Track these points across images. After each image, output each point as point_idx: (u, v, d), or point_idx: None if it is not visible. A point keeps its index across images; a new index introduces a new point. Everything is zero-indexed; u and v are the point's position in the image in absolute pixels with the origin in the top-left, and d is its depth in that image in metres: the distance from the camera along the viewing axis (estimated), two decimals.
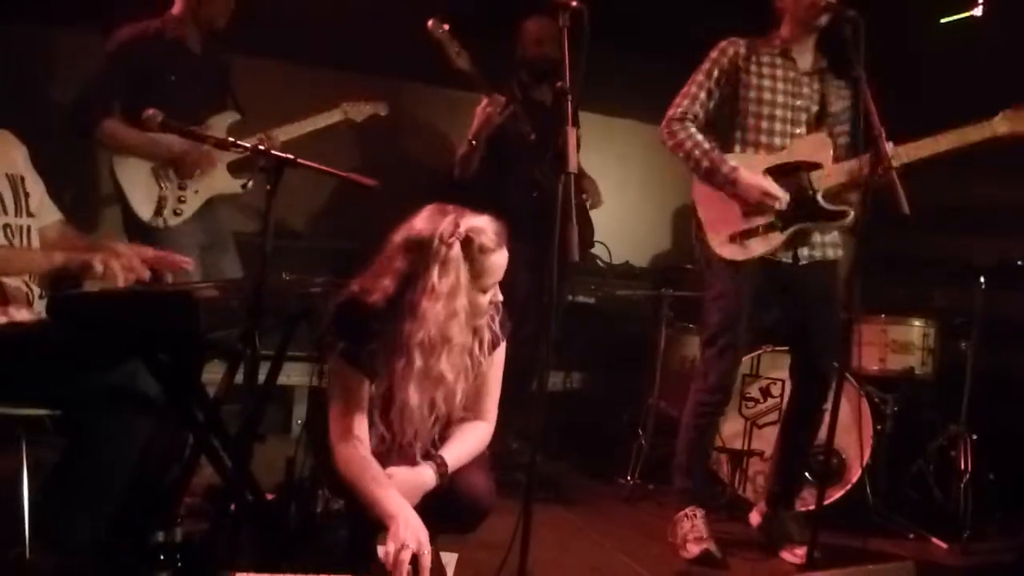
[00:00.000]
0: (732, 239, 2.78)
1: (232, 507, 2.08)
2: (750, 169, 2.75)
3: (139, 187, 2.93)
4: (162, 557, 1.89)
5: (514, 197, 3.32)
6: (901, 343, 3.46)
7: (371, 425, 2.01)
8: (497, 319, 2.09)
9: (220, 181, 3.07)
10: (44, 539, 1.98)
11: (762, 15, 2.88)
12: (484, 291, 1.96)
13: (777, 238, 2.75)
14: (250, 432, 2.03)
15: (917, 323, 3.49)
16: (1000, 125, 2.51)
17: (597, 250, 3.93)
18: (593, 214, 3.62)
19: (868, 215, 2.56)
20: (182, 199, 2.98)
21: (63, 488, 1.99)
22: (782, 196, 2.72)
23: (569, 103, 2.06)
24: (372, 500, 1.86)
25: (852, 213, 2.72)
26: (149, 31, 2.96)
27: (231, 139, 2.08)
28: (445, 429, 2.09)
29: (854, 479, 3.19)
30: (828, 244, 2.86)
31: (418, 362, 1.91)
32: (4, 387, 1.94)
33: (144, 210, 2.93)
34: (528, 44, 3.49)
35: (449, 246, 1.88)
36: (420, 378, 1.94)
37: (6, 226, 2.10)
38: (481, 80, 3.27)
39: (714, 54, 2.85)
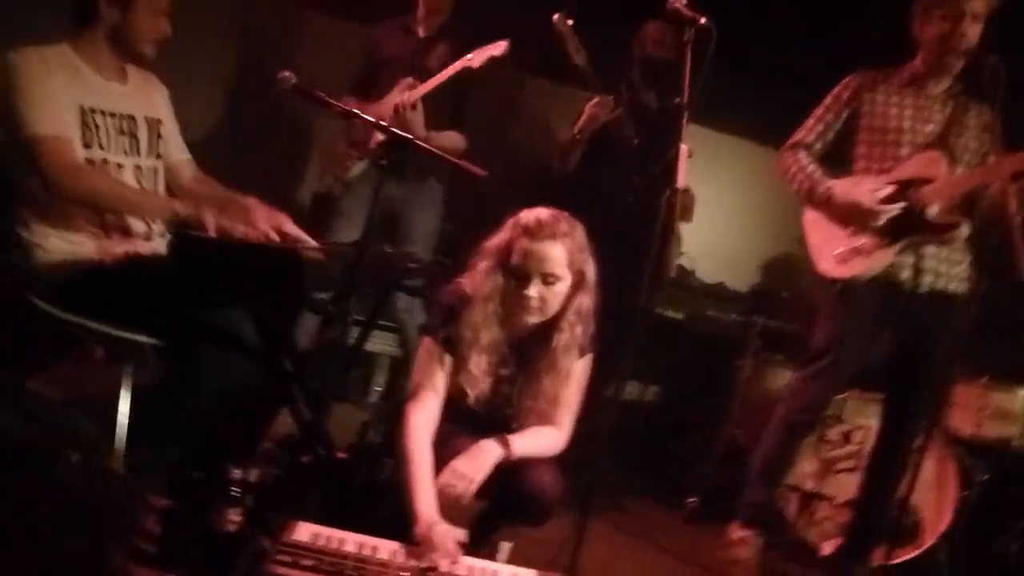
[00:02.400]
0: (840, 258, 2.72)
1: (304, 458, 2.20)
2: (855, 186, 2.70)
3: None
4: (234, 493, 2.00)
5: (608, 199, 3.32)
6: (1002, 410, 3.27)
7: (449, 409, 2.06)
8: (582, 329, 2.07)
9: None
10: (133, 458, 2.11)
11: (891, 45, 2.80)
12: (523, 279, 1.95)
13: (886, 254, 2.66)
14: (332, 390, 2.13)
15: (1022, 392, 3.30)
16: None
17: (693, 265, 3.89)
18: (695, 230, 3.59)
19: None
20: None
21: (155, 413, 2.13)
22: (879, 208, 2.64)
23: (685, 120, 2.06)
24: (410, 489, 1.89)
25: (964, 226, 2.63)
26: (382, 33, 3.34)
27: (355, 110, 2.16)
28: (520, 426, 2.11)
29: (928, 542, 3.06)
30: (953, 276, 2.71)
31: (464, 356, 2.00)
32: (117, 311, 2.09)
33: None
34: (648, 43, 3.46)
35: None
36: (465, 374, 2.02)
37: (137, 167, 2.25)
38: (594, 79, 3.28)
39: (837, 88, 2.82)
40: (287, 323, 2.05)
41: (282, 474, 2.19)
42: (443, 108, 3.28)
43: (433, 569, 1.66)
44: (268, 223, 1.97)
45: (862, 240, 2.69)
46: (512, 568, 1.76)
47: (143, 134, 2.26)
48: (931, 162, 2.68)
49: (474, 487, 1.87)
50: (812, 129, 2.83)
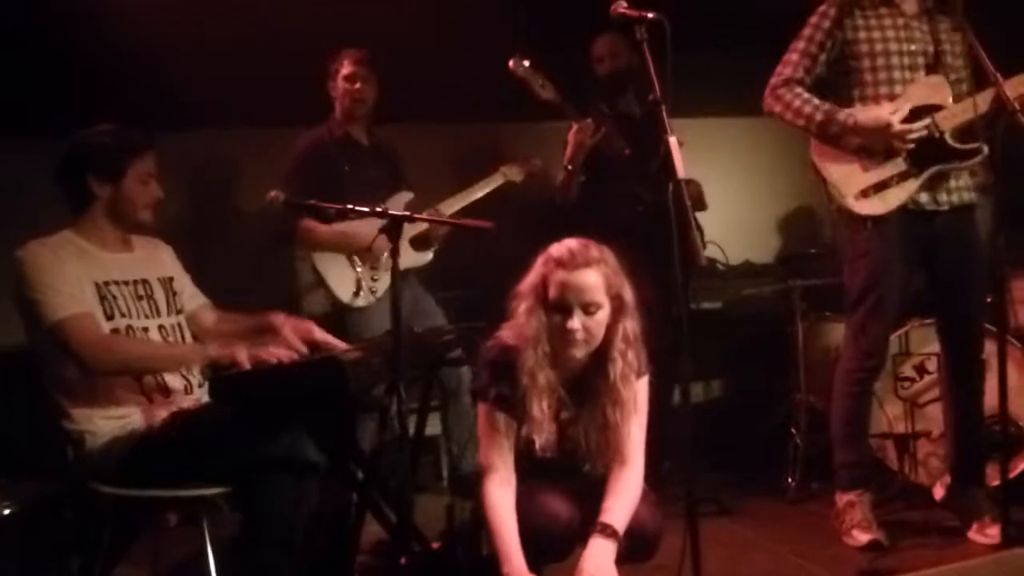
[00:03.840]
0: (866, 194, 2.67)
1: (402, 560, 2.15)
2: (877, 111, 2.64)
3: (336, 274, 3.18)
4: None
5: (619, 214, 3.32)
6: None
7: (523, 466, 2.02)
8: (634, 354, 2.02)
9: (405, 258, 3.13)
10: None
11: None
12: (565, 312, 1.92)
13: (913, 184, 2.64)
14: (408, 483, 2.10)
15: None
16: None
17: (714, 253, 3.84)
18: (702, 217, 3.56)
19: (999, 160, 2.43)
20: (375, 278, 3.20)
21: (244, 560, 2.09)
22: (907, 129, 2.61)
23: (664, 112, 2.05)
24: (501, 556, 1.88)
25: (985, 148, 2.60)
26: (321, 135, 3.27)
27: (350, 206, 2.18)
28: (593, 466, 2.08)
29: None
30: (963, 188, 2.72)
31: (524, 405, 1.96)
32: (178, 472, 2.08)
33: (344, 293, 3.17)
34: (596, 63, 3.50)
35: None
36: (529, 423, 1.98)
37: (160, 327, 2.27)
38: (569, 107, 3.31)
39: (814, 19, 2.76)
40: (346, 430, 2.03)
41: None
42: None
43: None
44: (298, 335, 1.97)
45: (890, 172, 2.65)
46: None
47: (159, 294, 2.29)
48: (935, 87, 2.68)
49: None
50: (799, 64, 2.74)
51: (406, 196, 3.32)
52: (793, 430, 3.43)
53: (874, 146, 2.65)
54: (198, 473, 2.09)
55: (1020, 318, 3.23)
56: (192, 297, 2.42)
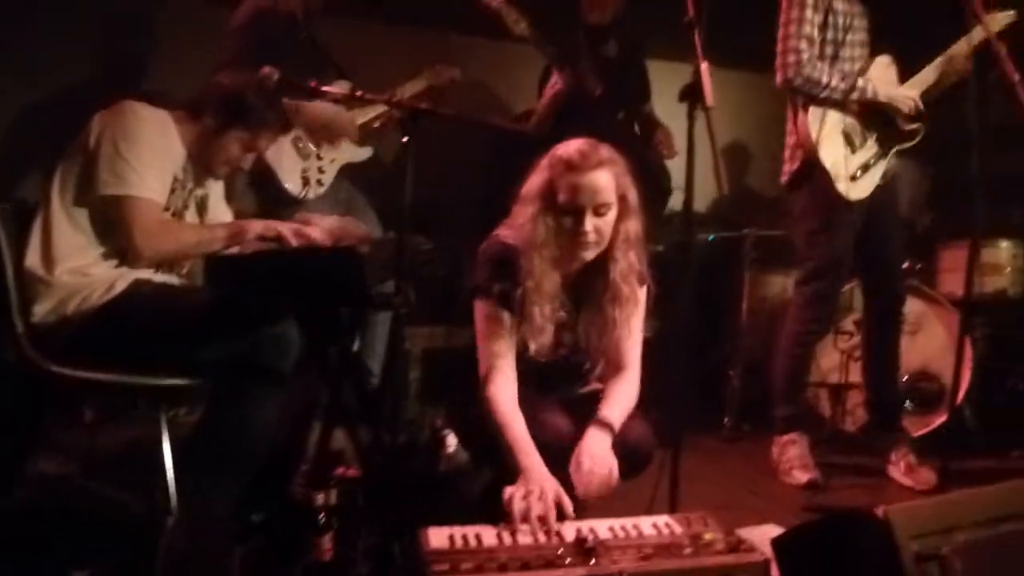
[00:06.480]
0: (854, 177, 2.78)
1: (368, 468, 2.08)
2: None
3: (284, 161, 2.92)
4: (322, 520, 1.88)
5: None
6: (991, 265, 3.43)
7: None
8: (635, 253, 2.00)
9: (348, 149, 3.07)
10: (187, 506, 1.97)
11: None
12: (577, 214, 1.88)
13: (883, 165, 2.81)
14: (394, 386, 2.02)
15: (1004, 244, 3.46)
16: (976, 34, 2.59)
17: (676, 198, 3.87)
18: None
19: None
20: (322, 169, 2.98)
21: (202, 456, 1.99)
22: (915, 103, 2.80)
23: (697, 36, 2.00)
24: (511, 448, 1.83)
25: (923, 129, 2.83)
26: (264, 7, 2.93)
27: (362, 93, 2.04)
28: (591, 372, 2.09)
29: (955, 404, 3.18)
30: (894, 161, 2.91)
31: (528, 307, 1.92)
32: (147, 354, 1.93)
33: (293, 184, 2.93)
34: (586, 10, 3.39)
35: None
36: (528, 326, 1.94)
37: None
38: (544, 46, 3.20)
39: None
40: (354, 324, 1.92)
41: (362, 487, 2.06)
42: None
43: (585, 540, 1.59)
44: (326, 222, 1.85)
45: (868, 154, 2.80)
46: (650, 518, 1.71)
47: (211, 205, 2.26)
48: (886, 67, 2.85)
49: (615, 471, 1.84)
50: (810, 37, 2.76)
51: (344, 84, 3.04)
52: (731, 373, 3.55)
53: (902, 109, 2.78)
54: (166, 360, 1.94)
55: (951, 286, 3.44)
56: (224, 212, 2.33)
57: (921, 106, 2.80)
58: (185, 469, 2.00)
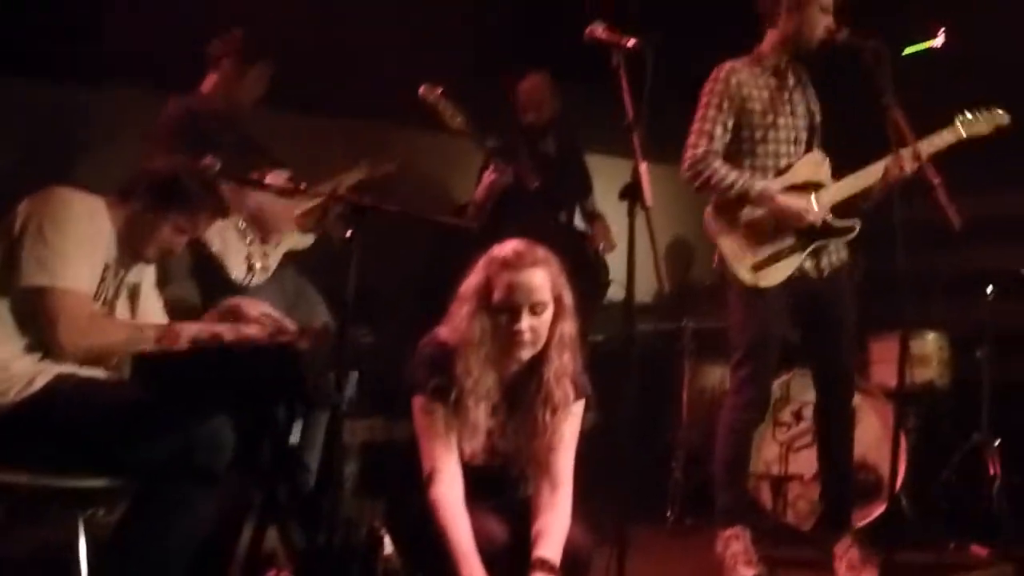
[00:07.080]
0: (759, 267, 2.83)
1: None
2: (777, 190, 2.83)
3: (230, 247, 2.84)
4: None
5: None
6: (919, 356, 3.52)
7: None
8: (570, 355, 1.99)
9: (291, 236, 3.03)
10: None
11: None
12: (512, 312, 1.89)
13: (799, 257, 2.85)
14: (331, 485, 1.95)
15: (931, 336, 3.57)
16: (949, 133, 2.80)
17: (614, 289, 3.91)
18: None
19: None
20: (266, 253, 2.92)
21: (122, 563, 1.87)
22: (817, 210, 2.83)
23: (636, 138, 2.05)
24: (452, 554, 1.80)
25: (858, 225, 2.87)
26: (195, 106, 2.93)
27: (302, 186, 2.03)
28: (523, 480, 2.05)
29: (892, 494, 3.21)
30: (837, 249, 2.95)
31: (463, 405, 1.90)
32: (66, 454, 1.83)
33: (238, 271, 2.85)
34: (521, 110, 3.50)
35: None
36: (464, 427, 1.92)
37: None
38: (480, 139, 3.27)
39: (718, 86, 2.85)
40: (290, 423, 1.85)
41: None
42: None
43: None
44: (257, 312, 1.80)
45: (780, 246, 2.84)
46: None
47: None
48: (817, 165, 2.91)
49: None
50: (711, 134, 2.83)
51: (283, 174, 2.99)
52: (673, 464, 3.53)
53: (782, 219, 2.82)
54: (87, 458, 1.84)
55: (882, 377, 3.52)
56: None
57: (820, 219, 2.82)
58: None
